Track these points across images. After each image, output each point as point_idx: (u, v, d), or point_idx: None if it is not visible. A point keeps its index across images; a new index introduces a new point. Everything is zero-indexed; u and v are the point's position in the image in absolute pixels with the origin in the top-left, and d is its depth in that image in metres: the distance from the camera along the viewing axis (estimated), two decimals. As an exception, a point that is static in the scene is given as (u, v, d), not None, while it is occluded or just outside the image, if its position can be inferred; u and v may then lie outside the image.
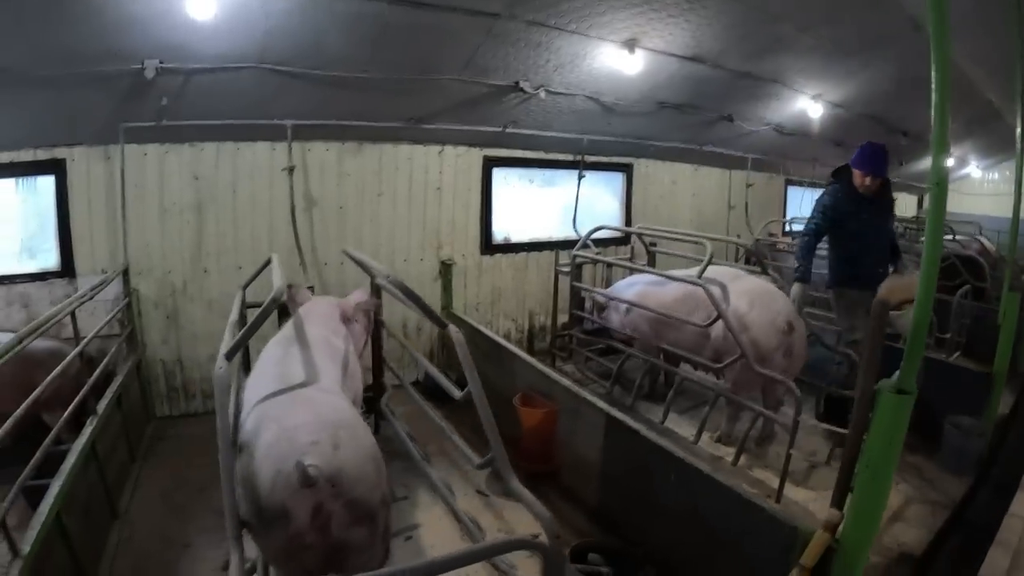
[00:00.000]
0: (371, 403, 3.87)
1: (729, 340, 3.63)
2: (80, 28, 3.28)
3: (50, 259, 4.35)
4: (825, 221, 4.05)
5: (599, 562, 2.71)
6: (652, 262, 5.75)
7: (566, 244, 5.91)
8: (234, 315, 2.77)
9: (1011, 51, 3.82)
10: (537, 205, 6.17)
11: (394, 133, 4.93)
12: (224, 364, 1.98)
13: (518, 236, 6.00)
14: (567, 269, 5.39)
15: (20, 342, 2.49)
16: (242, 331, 2.15)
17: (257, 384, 2.32)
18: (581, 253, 5.25)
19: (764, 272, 4.51)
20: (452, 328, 2.38)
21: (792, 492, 3.43)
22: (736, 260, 6.59)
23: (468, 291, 5.50)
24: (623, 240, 6.58)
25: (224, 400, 1.93)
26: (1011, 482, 3.30)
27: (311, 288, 4.27)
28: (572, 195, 6.14)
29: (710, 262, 3.97)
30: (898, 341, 2.55)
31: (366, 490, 1.95)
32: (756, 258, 4.90)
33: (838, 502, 2.12)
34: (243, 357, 3.37)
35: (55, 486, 2.51)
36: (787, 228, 8.56)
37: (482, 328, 4.78)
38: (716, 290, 3.71)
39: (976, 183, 12.87)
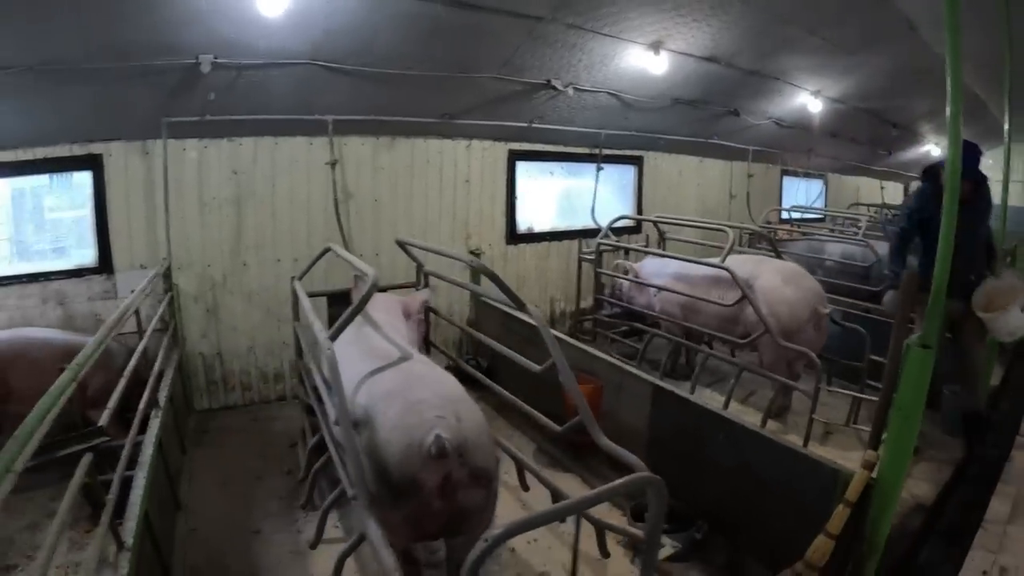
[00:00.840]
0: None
1: (761, 315, 4.49)
2: (138, 22, 3.77)
3: (86, 255, 4.78)
4: (911, 224, 4.33)
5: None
6: (664, 249, 6.73)
7: (584, 233, 6.91)
8: (306, 303, 3.29)
9: (998, 46, 4.90)
10: (553, 196, 7.08)
11: (425, 128, 5.68)
12: (330, 345, 2.41)
13: (540, 226, 6.90)
14: (591, 256, 6.27)
15: (101, 343, 2.65)
16: (346, 313, 2.64)
17: (349, 364, 2.60)
18: (605, 241, 6.15)
19: (778, 257, 5.48)
20: (532, 308, 2.79)
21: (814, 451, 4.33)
22: (741, 245, 7.55)
23: (471, 283, 6.31)
24: (635, 229, 7.63)
25: (336, 377, 2.30)
26: (1002, 443, 4.42)
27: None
28: (577, 187, 7.11)
29: (732, 248, 4.91)
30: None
31: (485, 457, 2.38)
32: (770, 244, 5.87)
33: (874, 444, 2.89)
34: (295, 342, 4.10)
35: (140, 478, 2.75)
36: (786, 216, 9.68)
37: (517, 314, 5.55)
38: (743, 272, 4.59)
39: None
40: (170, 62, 4.17)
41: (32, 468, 1.77)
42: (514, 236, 6.58)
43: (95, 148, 4.62)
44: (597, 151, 6.95)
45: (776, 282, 4.67)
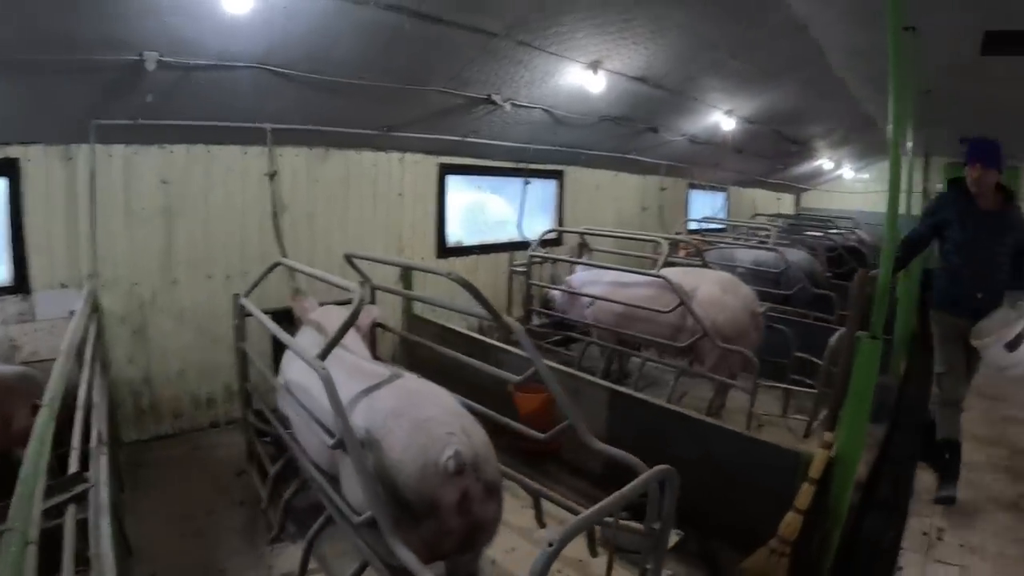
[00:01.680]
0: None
1: (703, 324, 5.40)
2: (86, 12, 3.80)
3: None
4: (924, 227, 4.65)
5: (626, 518, 3.38)
6: (590, 259, 7.61)
7: (513, 246, 7.79)
8: (269, 323, 3.57)
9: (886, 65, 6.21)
10: (477, 210, 7.81)
11: (362, 140, 6.20)
12: (324, 365, 2.63)
13: (468, 240, 7.63)
14: (522, 269, 7.03)
15: (62, 375, 2.72)
16: (338, 330, 2.90)
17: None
18: (536, 253, 6.95)
19: (705, 266, 6.52)
20: (512, 321, 3.20)
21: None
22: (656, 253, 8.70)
23: (427, 293, 6.75)
24: (556, 241, 8.58)
25: (336, 399, 2.52)
26: (915, 424, 5.77)
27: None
28: (498, 201, 7.90)
29: (667, 257, 5.96)
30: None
31: (495, 470, 2.64)
32: (699, 254, 6.90)
33: (830, 426, 3.64)
34: (240, 364, 4.33)
35: (104, 525, 2.63)
36: (694, 227, 11.12)
37: (457, 328, 6.20)
38: (684, 283, 5.49)
39: (849, 183, 16.77)
40: (110, 58, 4.24)
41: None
42: (444, 250, 7.25)
43: (12, 152, 4.59)
44: (525, 166, 7.74)
45: (716, 291, 5.59)
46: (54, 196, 4.80)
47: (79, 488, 2.48)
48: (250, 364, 4.41)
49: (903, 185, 6.79)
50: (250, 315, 4.09)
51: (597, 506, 2.24)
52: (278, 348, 4.41)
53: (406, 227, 6.82)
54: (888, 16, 3.82)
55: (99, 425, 3.47)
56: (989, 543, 4.11)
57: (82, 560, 2.19)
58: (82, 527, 2.31)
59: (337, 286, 3.26)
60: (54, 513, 2.23)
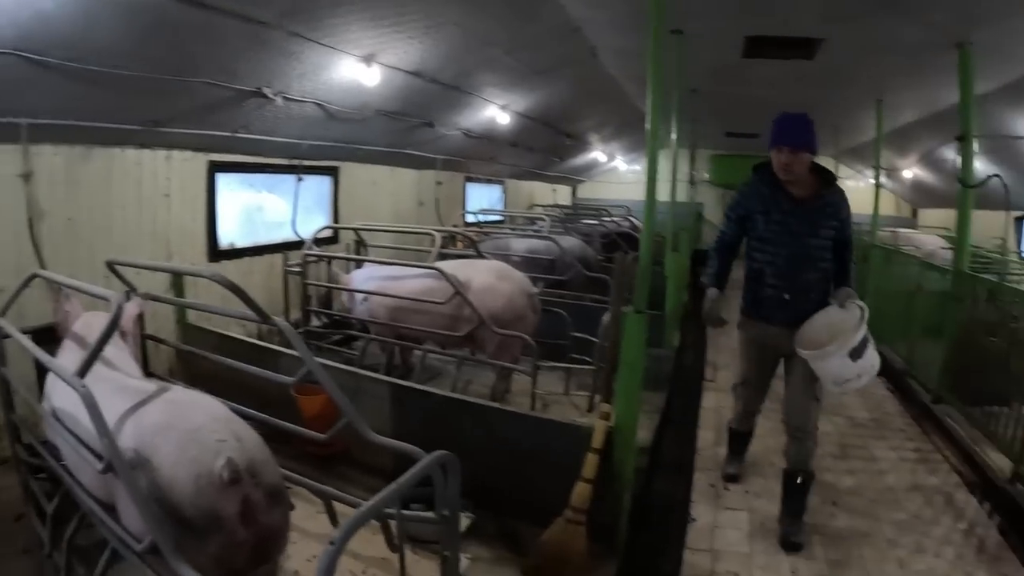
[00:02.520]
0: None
1: (479, 313, 6.20)
2: None
3: None
4: (729, 224, 4.76)
5: (421, 508, 3.44)
6: (366, 255, 8.39)
7: (287, 246, 8.27)
8: (28, 343, 3.46)
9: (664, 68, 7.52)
10: (250, 209, 8.22)
11: (126, 136, 6.35)
12: (83, 383, 2.59)
13: (242, 241, 8.01)
14: (297, 269, 7.58)
15: None
16: (95, 345, 2.86)
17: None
18: (311, 252, 7.51)
19: (480, 256, 7.46)
20: (279, 320, 3.31)
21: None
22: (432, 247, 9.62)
23: (200, 300, 6.97)
24: (333, 239, 9.21)
25: (99, 417, 2.48)
26: (692, 389, 7.20)
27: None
28: (272, 200, 8.40)
29: (439, 250, 6.82)
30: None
31: (274, 474, 2.78)
32: (473, 245, 7.85)
33: (606, 397, 4.30)
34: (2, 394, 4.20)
35: None
36: (472, 219, 12.34)
37: (232, 334, 6.59)
38: (459, 275, 6.22)
39: (623, 174, 18.97)
40: None
41: None
42: (216, 253, 7.56)
43: None
44: (298, 162, 8.27)
45: (489, 280, 6.41)
46: None
47: None
48: (14, 393, 4.26)
49: (669, 175, 8.30)
50: (8, 336, 3.88)
51: (376, 497, 2.37)
52: (43, 371, 4.06)
53: (174, 230, 7.03)
54: (650, 20, 4.64)
55: None
56: (773, 486, 5.26)
57: None
58: None
59: (97, 297, 3.21)
60: None
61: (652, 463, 5.80)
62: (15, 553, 4.19)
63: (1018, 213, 13.14)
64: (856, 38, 7.62)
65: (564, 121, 12.87)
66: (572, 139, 14.53)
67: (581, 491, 4.04)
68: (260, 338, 7.32)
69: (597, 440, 4.09)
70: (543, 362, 6.55)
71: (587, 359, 6.84)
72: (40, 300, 5.23)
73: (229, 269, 7.61)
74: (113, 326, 2.93)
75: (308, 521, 4.11)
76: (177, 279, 6.67)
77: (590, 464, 4.07)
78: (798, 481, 4.53)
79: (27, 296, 4.37)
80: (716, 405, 7.22)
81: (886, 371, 8.74)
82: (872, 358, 4.20)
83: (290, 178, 8.38)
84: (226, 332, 6.56)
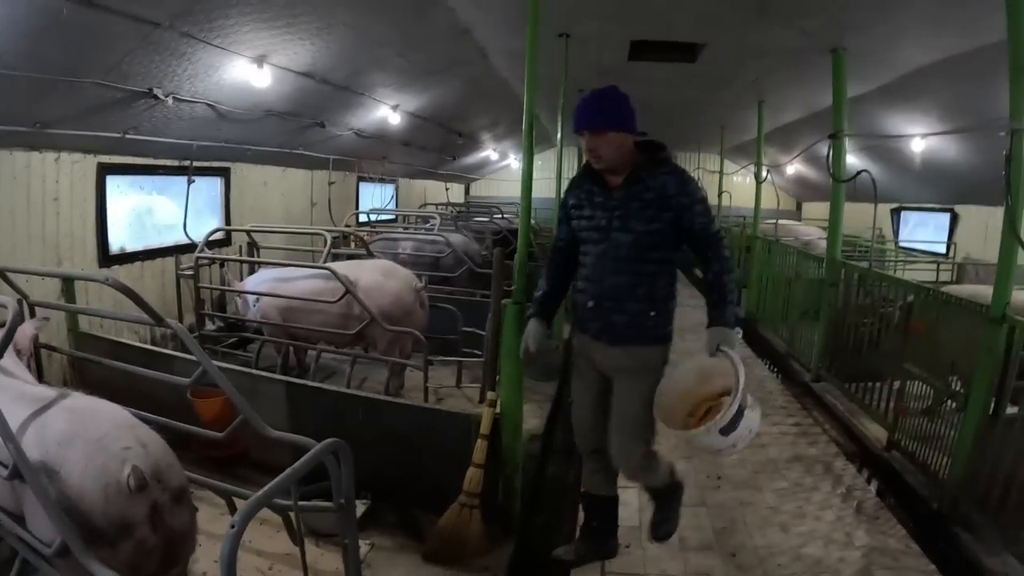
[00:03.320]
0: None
1: (369, 310, 6.46)
2: None
3: None
4: (559, 227, 4.05)
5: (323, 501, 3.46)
6: (258, 257, 8.58)
7: (179, 249, 8.31)
8: None
9: (553, 72, 7.92)
10: (141, 212, 8.22)
11: (12, 138, 6.32)
12: None
13: (133, 245, 8.00)
14: (189, 272, 7.66)
15: None
16: None
17: None
18: (203, 255, 7.59)
19: (371, 256, 7.75)
20: (173, 322, 3.46)
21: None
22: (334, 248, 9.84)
23: (91, 307, 6.94)
24: (225, 241, 9.33)
25: (3, 422, 2.56)
26: None
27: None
28: (163, 203, 8.43)
29: (330, 250, 7.03)
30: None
31: (179, 476, 2.88)
32: (364, 245, 8.10)
33: (491, 385, 4.70)
34: None
35: None
36: (364, 218, 12.66)
37: (127, 341, 6.64)
38: (343, 272, 6.45)
39: (516, 172, 19.70)
40: None
41: None
42: (107, 258, 7.55)
43: None
44: (189, 163, 8.33)
45: (377, 277, 6.70)
46: None
47: None
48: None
49: (559, 172, 8.82)
50: None
51: (269, 485, 2.46)
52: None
53: (64, 235, 7.01)
54: (529, 23, 4.98)
55: None
56: (669, 456, 5.72)
57: None
58: None
59: None
60: None
61: (545, 448, 6.19)
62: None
63: (894, 205, 14.20)
64: (735, 43, 8.23)
65: (456, 120, 13.31)
66: (464, 138, 14.98)
67: (473, 476, 4.33)
68: (154, 344, 7.50)
69: (485, 426, 4.40)
70: (435, 357, 6.87)
71: (478, 352, 7.06)
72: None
73: (120, 274, 7.61)
74: (10, 335, 2.96)
75: (213, 524, 4.19)
76: (68, 285, 6.58)
77: (480, 450, 4.38)
78: (664, 499, 4.10)
79: None
80: None
81: (769, 353, 9.47)
82: (751, 421, 3.41)
83: (181, 180, 8.40)
84: (119, 339, 6.57)
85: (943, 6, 6.19)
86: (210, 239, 7.99)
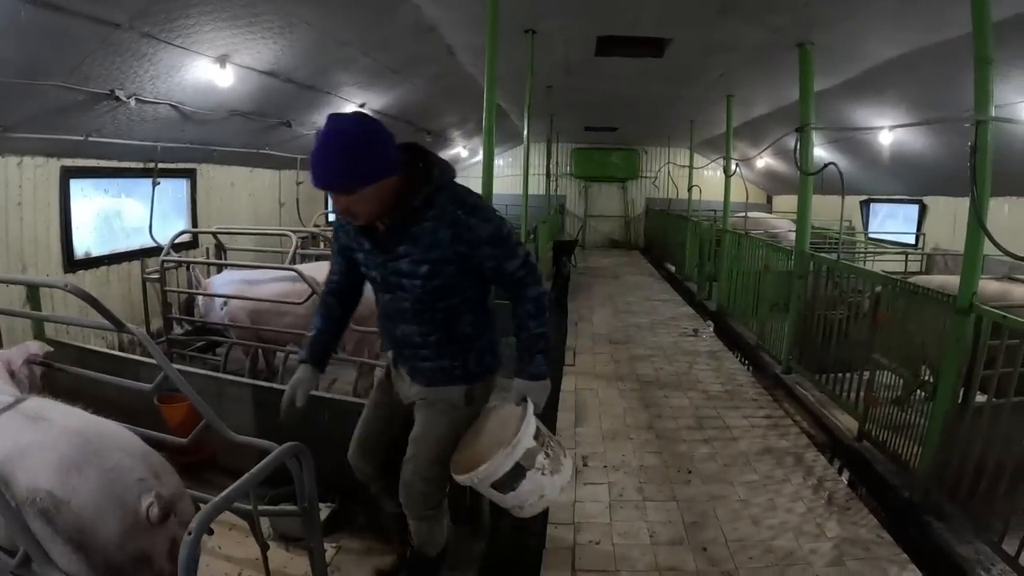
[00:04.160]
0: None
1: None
2: None
3: None
4: (334, 258, 3.52)
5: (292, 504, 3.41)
6: (225, 259, 8.55)
7: (145, 252, 8.30)
8: None
9: (520, 69, 7.91)
10: (106, 215, 8.16)
11: None
12: None
13: (99, 249, 7.96)
14: (155, 276, 7.61)
15: None
16: None
17: None
18: (169, 258, 7.55)
19: None
20: (134, 328, 3.21)
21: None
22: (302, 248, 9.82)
23: (58, 313, 7.00)
24: (192, 244, 9.31)
25: None
26: (553, 374, 7.53)
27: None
28: (130, 205, 8.37)
29: (296, 250, 7.08)
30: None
31: (189, 504, 2.85)
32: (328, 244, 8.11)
33: None
34: None
35: None
36: (333, 219, 12.70)
37: (95, 347, 6.58)
38: (310, 274, 6.42)
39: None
40: None
41: None
42: (73, 263, 7.51)
43: None
44: (153, 165, 8.27)
45: None
46: None
47: None
48: None
49: (526, 168, 8.90)
50: None
51: (227, 490, 2.40)
52: None
53: (27, 242, 6.97)
54: (488, 21, 5.08)
55: None
56: (631, 458, 5.84)
57: None
58: None
59: None
60: None
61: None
62: None
63: (863, 197, 14.37)
64: (702, 38, 8.30)
65: (424, 118, 13.30)
66: (434, 136, 14.92)
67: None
68: (122, 349, 7.39)
69: (452, 425, 4.39)
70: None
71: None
72: None
73: (86, 279, 7.64)
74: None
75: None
76: (33, 292, 6.45)
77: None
78: (425, 564, 3.71)
79: None
80: (574, 387, 7.80)
81: (740, 346, 9.57)
82: (541, 487, 3.12)
83: (148, 182, 8.35)
84: (87, 345, 6.51)
85: (905, 3, 6.29)
86: (176, 241, 7.93)
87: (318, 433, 3.81)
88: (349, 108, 10.08)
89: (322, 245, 9.35)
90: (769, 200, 22.07)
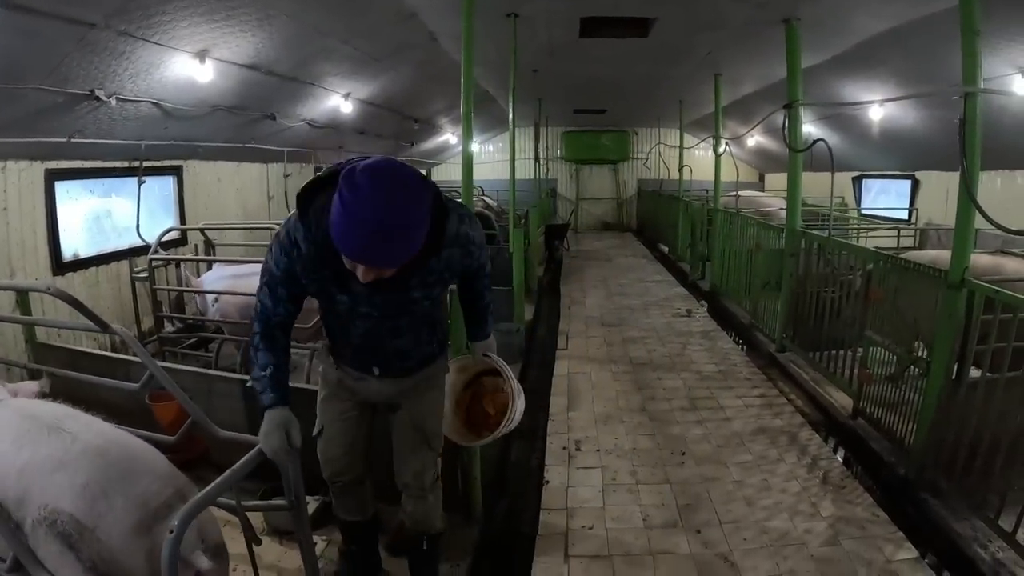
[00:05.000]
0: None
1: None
2: None
3: None
4: (279, 290, 2.98)
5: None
6: (214, 255, 8.60)
7: (133, 252, 8.27)
8: None
9: (505, 53, 7.91)
10: (93, 216, 8.15)
11: None
12: None
13: (87, 251, 7.93)
14: (144, 275, 7.60)
15: None
16: None
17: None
18: (156, 256, 7.56)
19: None
20: (118, 327, 3.38)
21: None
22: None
23: (47, 317, 6.92)
24: (181, 241, 9.30)
25: None
26: (546, 359, 7.87)
27: None
28: (117, 205, 8.35)
29: None
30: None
31: (215, 528, 2.80)
32: None
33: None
34: None
35: None
36: None
37: (88, 349, 6.60)
38: None
39: (475, 155, 20.05)
40: None
41: None
42: (61, 265, 7.48)
43: None
44: (138, 164, 8.24)
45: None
46: None
47: None
48: None
49: (512, 154, 9.00)
50: None
51: (210, 485, 2.40)
52: None
53: (14, 246, 6.96)
54: (463, 6, 5.12)
55: None
56: (624, 442, 5.90)
57: None
58: None
59: None
60: None
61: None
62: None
63: (855, 173, 14.38)
64: (687, 16, 8.27)
65: (411, 106, 13.30)
66: (421, 123, 14.97)
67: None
68: (115, 350, 7.38)
69: (441, 413, 4.43)
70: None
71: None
72: None
73: (76, 281, 7.63)
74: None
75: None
76: (23, 297, 6.47)
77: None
78: (424, 547, 3.64)
79: None
80: (568, 372, 7.86)
81: (733, 325, 9.63)
82: (520, 407, 3.68)
83: (134, 181, 8.30)
84: (78, 347, 6.50)
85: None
86: (164, 239, 7.97)
87: (306, 424, 3.55)
88: (334, 99, 10.13)
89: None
90: (761, 178, 22.06)
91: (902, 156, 12.32)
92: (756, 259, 9.38)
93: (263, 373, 2.99)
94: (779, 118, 8.16)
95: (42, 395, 4.00)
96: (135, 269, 7.88)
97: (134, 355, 5.76)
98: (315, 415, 3.59)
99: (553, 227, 17.11)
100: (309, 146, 11.94)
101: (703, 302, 11.80)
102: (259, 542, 3.16)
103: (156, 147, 8.40)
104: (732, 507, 4.84)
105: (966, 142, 4.50)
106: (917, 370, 5.52)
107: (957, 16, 4.65)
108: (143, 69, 6.84)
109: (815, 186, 11.95)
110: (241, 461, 2.64)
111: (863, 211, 14.11)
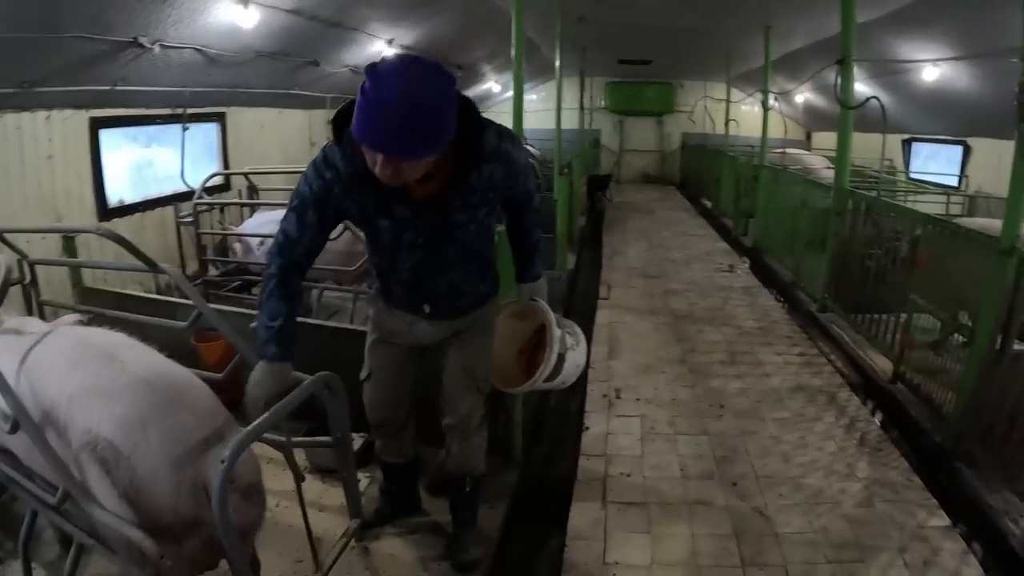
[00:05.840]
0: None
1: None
2: None
3: None
4: (307, 224, 2.88)
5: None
6: (257, 199, 8.87)
7: (178, 198, 8.39)
8: None
9: (550, 2, 7.98)
10: (136, 164, 8.33)
11: (2, 100, 6.31)
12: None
13: (132, 197, 8.11)
14: (189, 219, 7.77)
15: None
16: None
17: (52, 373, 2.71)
18: (201, 201, 7.71)
19: None
20: (168, 266, 3.46)
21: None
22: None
23: (91, 260, 6.99)
24: (224, 187, 9.41)
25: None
26: (587, 308, 8.01)
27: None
28: (160, 153, 8.54)
29: None
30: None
31: (251, 468, 2.75)
32: None
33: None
34: None
35: None
36: None
37: (131, 292, 6.69)
38: None
39: None
40: None
41: None
42: (106, 212, 7.64)
43: None
44: (182, 111, 8.37)
45: None
46: None
47: None
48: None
49: (559, 103, 9.02)
50: None
51: (258, 420, 2.51)
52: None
53: (60, 193, 7.06)
54: None
55: None
56: (663, 392, 5.99)
57: None
58: None
59: None
60: None
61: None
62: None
63: (905, 136, 14.14)
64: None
65: (454, 52, 13.25)
66: (464, 70, 14.86)
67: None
68: (159, 293, 7.55)
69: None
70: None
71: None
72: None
73: (121, 227, 7.68)
74: (4, 288, 3.02)
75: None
76: (69, 242, 6.48)
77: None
78: (467, 489, 3.63)
79: None
80: (609, 321, 7.99)
81: (775, 283, 9.63)
82: (575, 359, 3.70)
83: (177, 128, 8.44)
84: (124, 290, 6.57)
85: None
86: (208, 185, 8.14)
87: (353, 366, 3.68)
88: (378, 44, 10.19)
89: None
90: (808, 136, 21.72)
91: (955, 120, 12.08)
92: (801, 217, 9.30)
93: (272, 324, 2.88)
94: (830, 75, 8.04)
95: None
96: (180, 214, 8.04)
97: (179, 297, 6.00)
98: (360, 357, 3.54)
99: (596, 177, 17.07)
100: (352, 93, 11.77)
101: (745, 258, 11.75)
102: (302, 479, 3.22)
103: (199, 94, 8.50)
104: (768, 462, 4.89)
105: (1023, 109, 4.38)
106: (960, 338, 5.47)
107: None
108: (186, 15, 6.87)
109: (862, 148, 11.77)
110: (288, 396, 2.68)
111: (911, 175, 13.92)
